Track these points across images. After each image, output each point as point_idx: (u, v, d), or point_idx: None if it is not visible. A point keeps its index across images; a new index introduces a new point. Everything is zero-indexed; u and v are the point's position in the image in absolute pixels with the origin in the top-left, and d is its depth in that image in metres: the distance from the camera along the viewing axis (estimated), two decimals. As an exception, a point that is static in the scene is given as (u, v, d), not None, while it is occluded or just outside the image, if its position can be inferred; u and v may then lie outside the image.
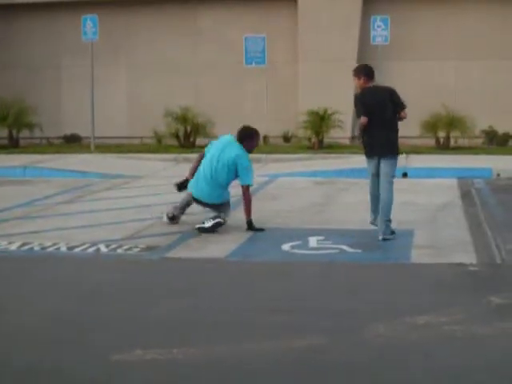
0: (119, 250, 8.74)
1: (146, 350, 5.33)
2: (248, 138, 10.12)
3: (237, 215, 10.89)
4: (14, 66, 22.76)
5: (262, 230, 9.74)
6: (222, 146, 10.03)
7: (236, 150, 9.90)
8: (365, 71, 9.49)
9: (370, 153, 9.48)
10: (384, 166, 9.32)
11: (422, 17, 20.84)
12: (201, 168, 10.04)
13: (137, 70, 22.37)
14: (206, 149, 10.31)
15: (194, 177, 10.12)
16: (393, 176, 9.37)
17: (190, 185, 10.15)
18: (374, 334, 5.65)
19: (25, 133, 21.53)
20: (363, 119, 9.28)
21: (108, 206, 11.90)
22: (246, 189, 9.85)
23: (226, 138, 10.22)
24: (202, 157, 10.24)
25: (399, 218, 10.57)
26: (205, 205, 10.13)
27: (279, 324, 5.98)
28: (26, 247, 8.91)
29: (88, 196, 13.14)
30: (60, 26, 22.42)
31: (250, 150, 10.07)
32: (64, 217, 11.08)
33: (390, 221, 9.22)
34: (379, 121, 9.29)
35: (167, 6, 21.90)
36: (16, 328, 5.94)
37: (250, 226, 9.77)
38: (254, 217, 10.61)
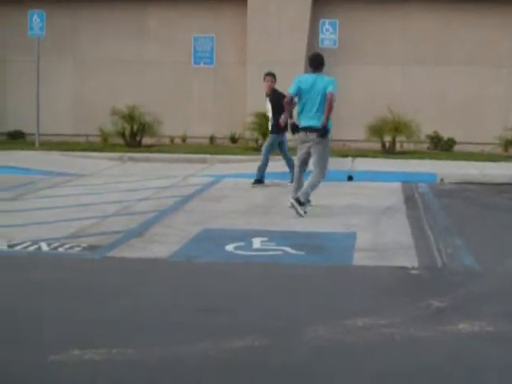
0: (61, 249, 8.64)
1: (83, 350, 5.27)
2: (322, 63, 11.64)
3: (179, 216, 10.86)
4: (-43, 59, 22.37)
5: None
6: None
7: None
8: None
9: None
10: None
11: (370, 21, 20.97)
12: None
13: (83, 67, 22.16)
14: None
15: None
16: None
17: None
18: (314, 336, 5.66)
19: (-32, 128, 21.20)
20: None
21: (50, 204, 11.76)
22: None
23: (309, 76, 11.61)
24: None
25: (343, 220, 10.64)
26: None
27: (219, 324, 5.97)
28: (-35, 244, 8.76)
29: (30, 193, 12.96)
30: (6, 20, 22.07)
31: None
32: (5, 214, 10.92)
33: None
34: None
35: (115, 3, 21.72)
36: (-49, 326, 5.84)
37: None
38: (199, 217, 10.64)
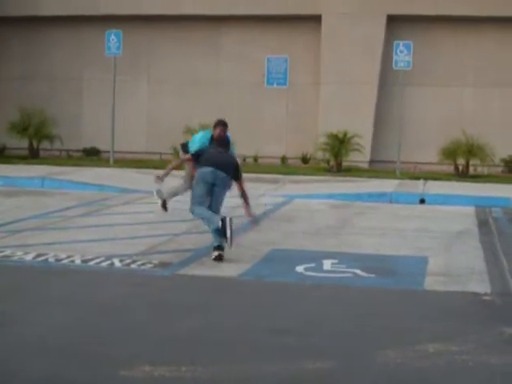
0: (133, 265, 8.75)
1: (154, 367, 5.31)
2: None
3: (250, 236, 10.89)
4: (35, 77, 22.91)
5: None
6: None
7: None
8: None
9: None
10: None
11: (444, 43, 20.83)
12: None
13: (158, 86, 22.48)
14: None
15: None
16: None
17: None
18: (384, 361, 5.61)
19: (45, 144, 21.67)
20: None
21: (123, 221, 11.93)
22: None
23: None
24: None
25: (415, 244, 10.54)
26: None
27: (288, 346, 5.96)
28: (41, 258, 8.94)
29: (104, 210, 13.18)
30: (83, 39, 22.57)
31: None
32: (79, 230, 11.12)
33: None
34: None
35: (190, 23, 21.99)
36: (25, 339, 5.94)
37: None
38: (270, 237, 10.67)
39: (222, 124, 10.45)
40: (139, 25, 22.15)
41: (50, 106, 22.03)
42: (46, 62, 22.87)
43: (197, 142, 10.94)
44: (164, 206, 11.64)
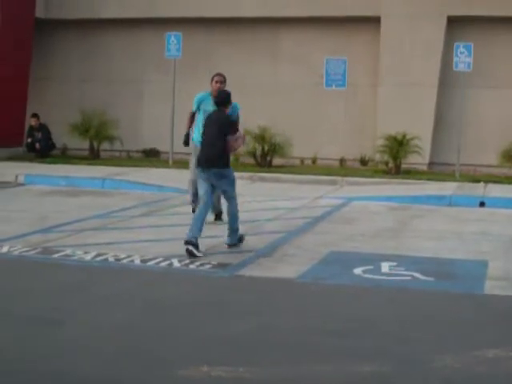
0: (191, 266, 8.82)
1: (212, 367, 5.36)
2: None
3: (308, 237, 10.90)
4: (95, 79, 23.21)
5: None
6: None
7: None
8: None
9: None
10: None
11: (505, 45, 20.53)
12: None
13: (217, 88, 22.57)
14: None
15: None
16: None
17: None
18: (441, 365, 5.57)
19: (105, 145, 21.93)
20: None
21: (182, 221, 11.99)
22: None
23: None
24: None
25: (474, 248, 10.43)
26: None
27: (345, 348, 5.96)
28: (101, 258, 9.07)
29: (163, 210, 13.30)
30: (143, 41, 22.79)
31: None
32: (139, 230, 11.24)
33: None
34: None
35: (248, 25, 22.06)
36: (81, 338, 6.04)
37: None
38: (328, 239, 10.67)
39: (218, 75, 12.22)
40: (198, 27, 22.28)
41: (110, 107, 22.30)
42: (105, 65, 23.15)
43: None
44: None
